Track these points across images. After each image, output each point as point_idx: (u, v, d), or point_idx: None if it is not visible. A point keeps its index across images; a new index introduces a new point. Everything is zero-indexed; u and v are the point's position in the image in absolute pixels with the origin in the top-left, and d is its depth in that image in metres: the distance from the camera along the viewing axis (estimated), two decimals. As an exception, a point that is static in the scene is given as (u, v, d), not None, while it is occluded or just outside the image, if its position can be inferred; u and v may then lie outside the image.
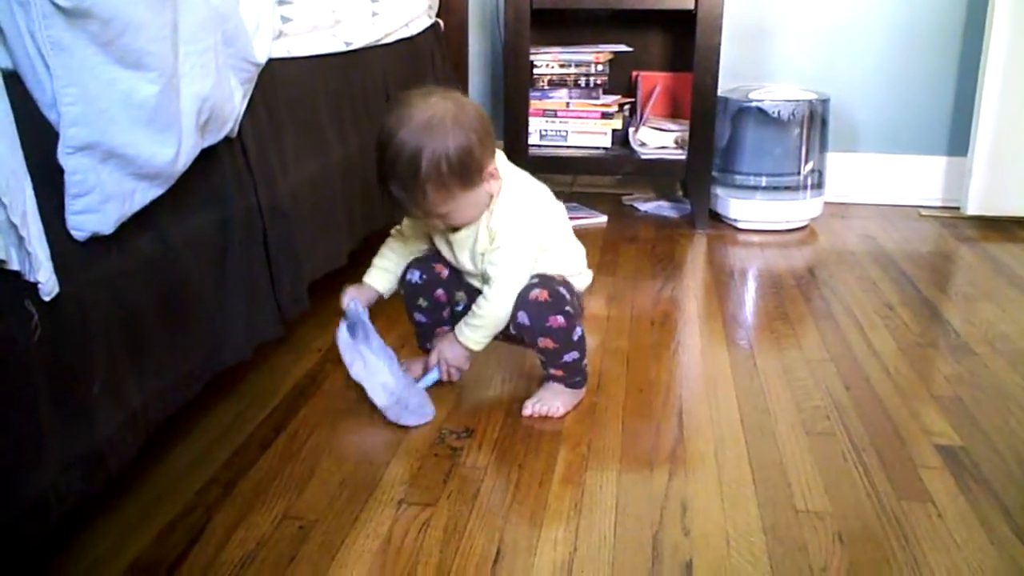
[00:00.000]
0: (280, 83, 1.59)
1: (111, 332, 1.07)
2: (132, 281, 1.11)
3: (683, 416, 1.54)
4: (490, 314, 1.47)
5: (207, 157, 1.28)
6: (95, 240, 1.03)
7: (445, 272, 1.59)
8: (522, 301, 1.46)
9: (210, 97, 1.21)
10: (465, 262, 1.53)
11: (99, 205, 1.02)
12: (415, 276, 1.59)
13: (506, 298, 1.46)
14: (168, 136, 1.10)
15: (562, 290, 1.47)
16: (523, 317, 1.46)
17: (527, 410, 1.52)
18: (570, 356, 1.50)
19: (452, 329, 1.54)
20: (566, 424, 1.50)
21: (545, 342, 1.48)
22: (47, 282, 0.93)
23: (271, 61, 1.53)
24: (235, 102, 1.35)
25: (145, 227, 1.13)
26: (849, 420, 1.53)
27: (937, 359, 1.81)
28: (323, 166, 1.77)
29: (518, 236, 1.47)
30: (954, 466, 1.39)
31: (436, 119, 1.36)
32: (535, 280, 1.47)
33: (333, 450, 1.41)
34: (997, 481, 1.34)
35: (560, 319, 1.46)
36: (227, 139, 1.35)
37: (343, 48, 1.93)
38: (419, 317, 1.64)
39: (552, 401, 1.53)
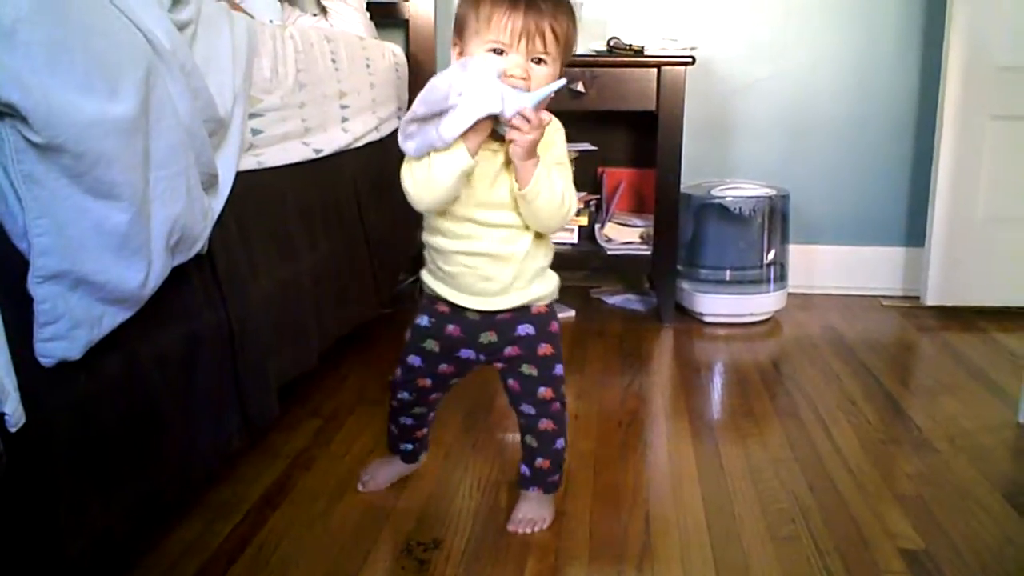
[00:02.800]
0: (250, 194, 1.62)
1: (77, 456, 1.08)
2: (99, 403, 1.12)
3: (650, 521, 1.55)
4: (557, 198, 1.38)
5: (176, 274, 1.29)
6: (63, 366, 1.04)
7: (428, 382, 1.55)
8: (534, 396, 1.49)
9: (181, 217, 1.24)
10: (490, 194, 1.38)
11: (67, 332, 1.04)
12: (405, 395, 1.58)
13: (573, 204, 1.42)
14: (138, 261, 1.12)
15: (563, 389, 1.52)
16: (526, 408, 1.51)
17: (513, 526, 1.51)
18: (560, 443, 1.52)
19: None
20: (535, 536, 1.50)
21: (546, 424, 1.50)
22: (14, 413, 0.94)
23: (241, 173, 1.57)
24: (207, 220, 1.38)
25: (113, 348, 1.14)
26: (813, 523, 1.54)
27: (899, 457, 1.83)
28: (293, 272, 1.79)
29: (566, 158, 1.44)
30: (917, 570, 1.40)
31: None
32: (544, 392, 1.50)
33: (300, 564, 1.40)
34: (959, 584, 1.36)
35: (558, 405, 1.51)
36: (197, 255, 1.38)
37: (313, 156, 1.97)
38: (405, 421, 1.63)
39: (538, 512, 1.53)
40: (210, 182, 1.41)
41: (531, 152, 1.32)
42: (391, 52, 2.73)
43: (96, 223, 1.05)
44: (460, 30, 1.36)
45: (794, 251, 2.97)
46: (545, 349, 1.47)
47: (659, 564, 1.41)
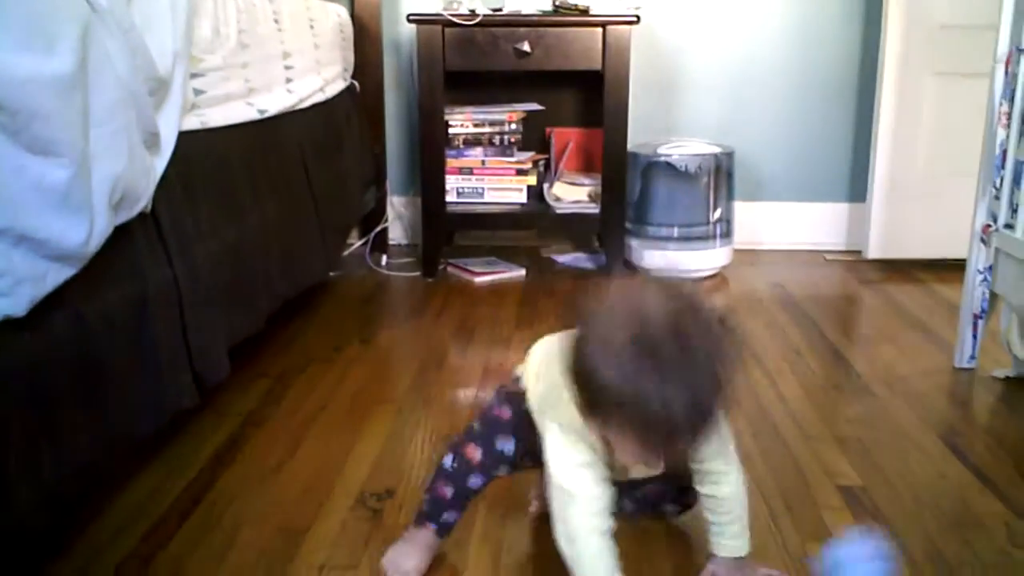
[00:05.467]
0: (194, 155, 1.62)
1: (24, 412, 1.08)
2: (45, 360, 1.12)
3: (598, 468, 1.58)
4: (743, 501, 1.24)
5: (120, 233, 1.29)
6: (7, 323, 1.04)
7: (478, 456, 1.27)
8: None
9: (123, 176, 1.24)
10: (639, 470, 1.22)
11: (11, 289, 1.03)
12: (510, 447, 1.26)
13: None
14: (80, 218, 1.12)
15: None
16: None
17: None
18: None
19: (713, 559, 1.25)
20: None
21: None
22: (-42, 369, 0.94)
23: (184, 134, 1.56)
24: (149, 178, 1.38)
25: (58, 306, 1.14)
26: (756, 466, 1.59)
27: (840, 402, 1.89)
28: (240, 233, 1.79)
29: None
30: (854, 506, 1.45)
31: None
32: None
33: (252, 519, 1.41)
34: (894, 519, 1.41)
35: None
36: (141, 214, 1.37)
37: (258, 116, 1.96)
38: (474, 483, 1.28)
39: None
40: (152, 141, 1.41)
41: None
42: (335, 13, 2.72)
43: (35, 180, 1.05)
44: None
45: (739, 208, 3.02)
46: None
47: (607, 508, 1.44)
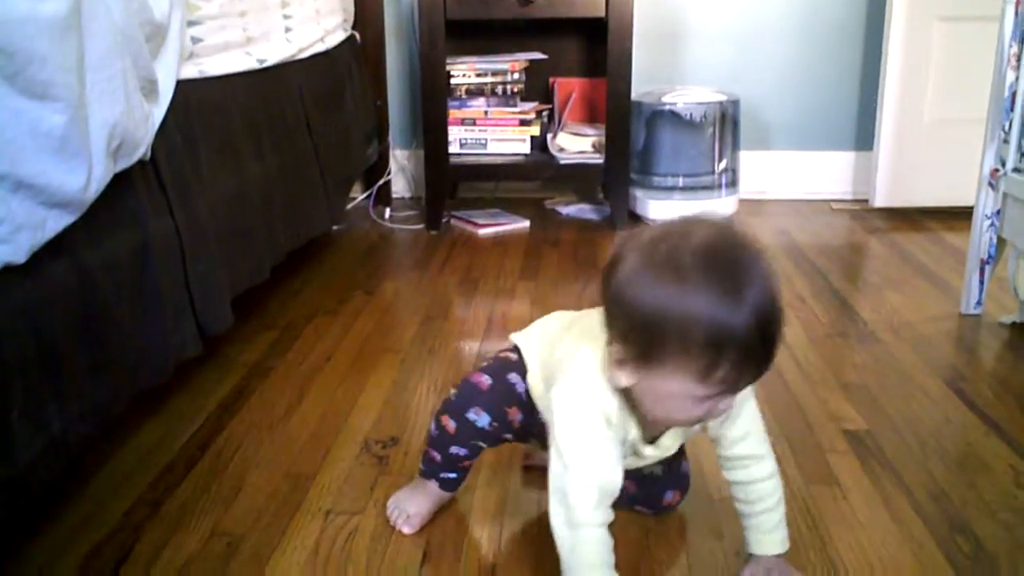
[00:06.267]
0: (193, 103, 1.60)
1: (28, 359, 1.08)
2: (48, 308, 1.12)
3: (603, 415, 1.58)
4: (779, 488, 1.14)
5: (120, 181, 1.28)
6: (8, 270, 1.04)
7: (451, 426, 1.21)
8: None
9: (120, 123, 1.22)
10: (673, 444, 1.12)
11: (10, 235, 1.03)
12: (484, 421, 1.20)
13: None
14: (78, 163, 1.11)
15: None
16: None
17: None
18: None
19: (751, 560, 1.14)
20: (490, 428, 1.54)
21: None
22: (-41, 314, 0.93)
23: (182, 82, 1.55)
24: (148, 125, 1.36)
25: (59, 254, 1.14)
26: (761, 412, 1.58)
27: (845, 348, 1.88)
28: (241, 183, 1.78)
29: None
30: (859, 450, 1.45)
31: None
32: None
33: (260, 465, 1.42)
34: (899, 462, 1.42)
35: None
36: (140, 162, 1.36)
37: (257, 66, 1.94)
38: (457, 451, 1.23)
39: None
40: (149, 88, 1.39)
41: None
42: (334, -38, 2.67)
43: (32, 124, 1.04)
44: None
45: (745, 157, 2.99)
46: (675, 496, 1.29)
47: (612, 453, 1.45)
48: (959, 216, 2.85)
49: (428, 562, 1.18)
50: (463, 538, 1.23)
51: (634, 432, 1.05)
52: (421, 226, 2.81)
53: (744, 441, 1.11)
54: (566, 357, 1.06)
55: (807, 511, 1.28)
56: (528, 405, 1.18)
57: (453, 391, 1.23)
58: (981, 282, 2.03)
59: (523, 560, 1.18)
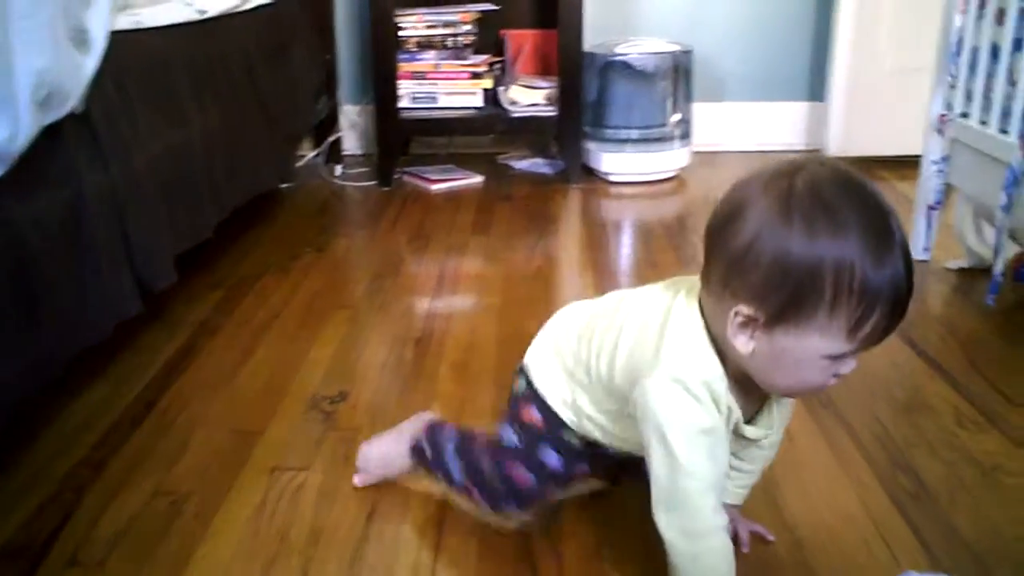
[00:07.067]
0: (128, 56, 1.55)
1: (-44, 318, 1.05)
2: (-24, 265, 1.09)
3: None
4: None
5: (52, 134, 1.24)
6: (-70, 225, 1.01)
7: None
8: None
9: (48, 72, 1.18)
10: (773, 421, 1.01)
11: (-69, 188, 0.99)
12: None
13: None
14: (3, 114, 1.07)
15: None
16: None
17: None
18: None
19: None
20: (441, 384, 1.53)
21: None
22: None
23: (117, 33, 1.50)
24: (79, 76, 1.32)
25: (-14, 209, 1.10)
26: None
27: (795, 296, 1.89)
28: (182, 138, 1.74)
29: None
30: (807, 394, 1.47)
31: None
32: None
33: (206, 423, 1.40)
34: (845, 406, 1.43)
35: None
36: (73, 115, 1.32)
37: (197, 17, 1.89)
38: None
39: None
40: (80, 38, 1.34)
41: None
42: (278, -90, 2.60)
43: (-49, 74, 1.00)
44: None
45: (699, 109, 2.98)
46: None
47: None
48: (911, 165, 2.86)
49: (374, 517, 1.17)
50: (409, 494, 1.22)
51: (737, 411, 0.93)
52: (373, 183, 2.78)
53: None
54: (645, 341, 0.94)
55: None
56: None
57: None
58: (928, 227, 2.05)
59: (469, 516, 1.17)
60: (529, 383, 1.09)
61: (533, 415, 1.08)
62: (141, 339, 1.68)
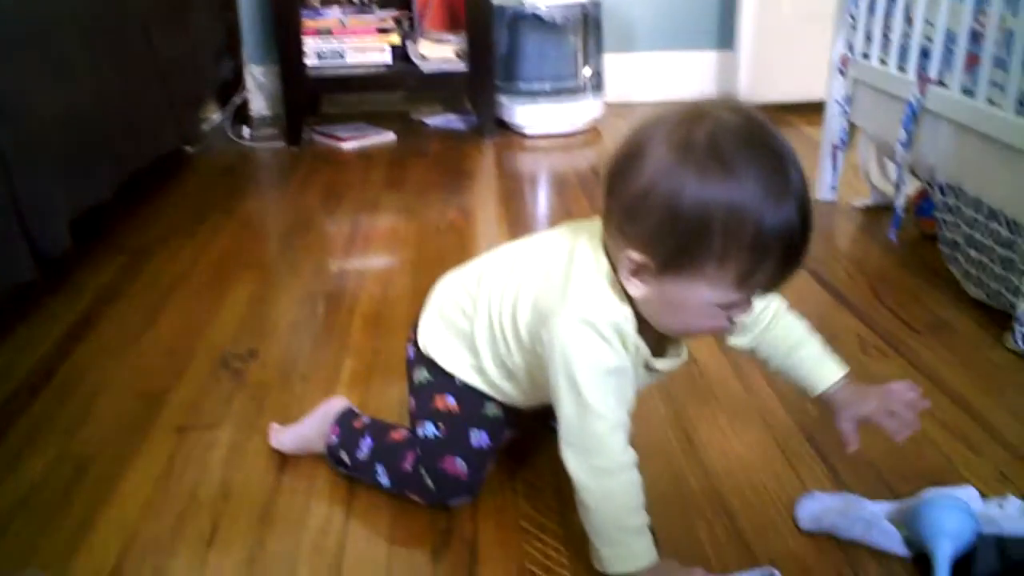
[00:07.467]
0: (11, 11, 1.49)
1: None
2: None
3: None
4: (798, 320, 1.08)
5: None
6: None
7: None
8: None
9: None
10: (682, 352, 1.00)
11: None
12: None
13: None
14: None
15: None
16: None
17: None
18: None
19: None
20: (353, 337, 1.51)
21: None
22: None
23: (-5, -13, 1.43)
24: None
25: None
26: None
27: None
28: (74, 97, 1.67)
29: None
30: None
31: None
32: None
33: (110, 387, 1.36)
34: (755, 341, 1.45)
35: None
36: (-51, 72, 1.26)
37: (85, -28, 1.81)
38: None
39: None
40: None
41: None
42: None
43: None
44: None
45: (610, 60, 2.97)
46: None
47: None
48: (818, 109, 2.91)
49: (285, 471, 1.15)
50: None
51: (643, 347, 0.93)
52: (282, 144, 2.72)
53: (767, 308, 1.03)
54: (551, 286, 0.93)
55: (664, 387, 1.30)
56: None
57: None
58: (834, 167, 2.08)
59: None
60: (430, 367, 1.08)
61: (448, 402, 1.06)
62: (41, 307, 1.62)
